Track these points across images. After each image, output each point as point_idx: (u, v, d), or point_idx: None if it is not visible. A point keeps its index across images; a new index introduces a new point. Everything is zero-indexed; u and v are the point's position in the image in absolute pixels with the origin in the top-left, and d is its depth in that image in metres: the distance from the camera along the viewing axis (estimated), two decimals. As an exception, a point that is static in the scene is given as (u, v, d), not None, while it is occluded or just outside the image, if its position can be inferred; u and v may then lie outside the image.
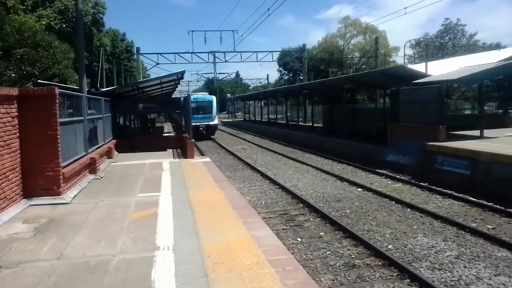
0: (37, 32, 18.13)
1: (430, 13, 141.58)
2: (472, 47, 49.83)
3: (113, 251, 5.25)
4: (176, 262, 4.74)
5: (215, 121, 36.23)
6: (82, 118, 10.54)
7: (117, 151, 16.03)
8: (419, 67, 22.34)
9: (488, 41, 55.78)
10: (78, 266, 4.82)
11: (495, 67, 16.05)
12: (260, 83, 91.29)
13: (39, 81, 15.84)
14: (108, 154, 13.74)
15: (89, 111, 12.00)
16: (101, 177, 10.64)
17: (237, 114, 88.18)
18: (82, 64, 12.65)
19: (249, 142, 31.49)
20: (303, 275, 4.34)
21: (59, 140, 7.88)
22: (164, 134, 23.03)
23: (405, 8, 28.48)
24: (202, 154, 23.88)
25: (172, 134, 21.92)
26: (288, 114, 43.99)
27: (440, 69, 20.68)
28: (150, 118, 41.96)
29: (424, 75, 18.17)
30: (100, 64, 33.57)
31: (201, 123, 34.16)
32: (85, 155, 10.56)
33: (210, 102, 36.23)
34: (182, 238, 5.61)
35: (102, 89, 19.54)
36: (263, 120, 50.81)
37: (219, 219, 6.48)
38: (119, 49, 61.04)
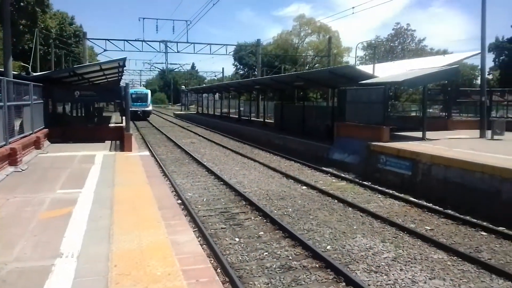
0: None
1: (384, 18, 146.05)
2: (420, 51, 51.60)
3: (7, 258, 4.55)
4: (76, 273, 4.13)
5: (149, 108, 53.26)
6: (1, 104, 9.50)
7: (49, 141, 14.88)
8: (367, 68, 22.61)
9: (436, 47, 58.26)
10: (-42, 277, 4.10)
11: (437, 71, 16.36)
12: (215, 76, 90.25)
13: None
14: (37, 145, 12.65)
15: (17, 97, 10.94)
16: (23, 170, 9.68)
17: (190, 106, 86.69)
18: (8, 44, 11.48)
19: (199, 135, 30.77)
20: (217, 288, 3.88)
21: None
22: (110, 125, 21.86)
23: (353, 7, 29.12)
24: (149, 146, 22.99)
25: (114, 124, 20.83)
26: (242, 108, 43.56)
27: (388, 71, 21.00)
28: (97, 107, 40.26)
29: (371, 76, 18.29)
30: (34, 45, 31.51)
31: (139, 109, 49.14)
32: (4, 145, 9.54)
33: (146, 94, 53.18)
34: (91, 243, 4.98)
35: (34, 74, 18.09)
36: (216, 114, 50.09)
37: (139, 221, 5.89)
38: (67, 33, 58.17)
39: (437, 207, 10.71)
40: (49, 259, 4.51)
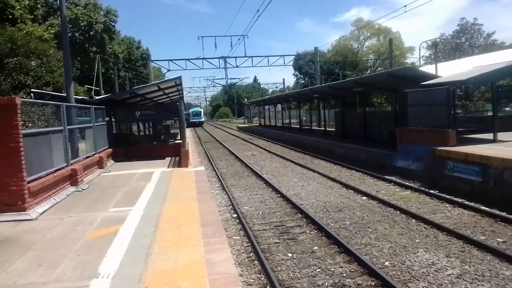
0: (30, 41, 17.93)
1: (450, 14, 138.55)
2: (490, 46, 48.03)
3: (48, 278, 4.68)
4: (107, 294, 4.12)
5: (203, 119, 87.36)
6: (61, 128, 10.08)
7: (114, 160, 15.60)
8: (429, 68, 21.32)
9: (510, 40, 53.99)
10: (0, 298, 4.28)
11: (506, 66, 14.94)
12: (277, 87, 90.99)
13: (32, 90, 15.57)
14: (100, 164, 13.29)
15: (78, 119, 11.58)
16: (83, 189, 10.16)
17: (253, 119, 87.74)
18: (69, 71, 12.22)
19: (260, 148, 30.84)
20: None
21: (22, 153, 7.39)
22: (170, 142, 22.49)
23: (405, 6, 27.74)
24: (211, 161, 23.36)
25: (174, 141, 21.47)
26: (304, 118, 43.21)
27: (453, 70, 19.64)
28: (165, 125, 41.93)
29: (433, 76, 17.18)
30: (96, 70, 33.61)
31: (197, 120, 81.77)
32: (65, 166, 10.09)
33: (200, 111, 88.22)
34: (129, 263, 5.00)
35: (97, 97, 19.19)
36: (277, 125, 50.13)
37: (180, 239, 5.85)
38: (135, 57, 61.63)
39: (511, 216, 9.68)
40: (85, 280, 4.58)
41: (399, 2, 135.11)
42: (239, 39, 41.93)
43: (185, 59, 41.60)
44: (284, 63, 45.65)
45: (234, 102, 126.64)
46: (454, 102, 16.33)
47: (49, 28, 30.42)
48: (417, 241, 8.65)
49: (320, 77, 46.65)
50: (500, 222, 9.53)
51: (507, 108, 30.42)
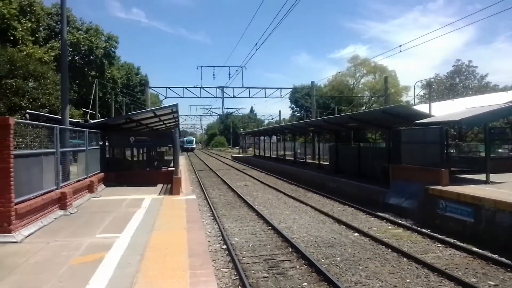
0: (29, 63, 18.08)
1: (445, 55, 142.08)
2: (483, 88, 48.93)
3: (27, 306, 4.52)
4: (87, 325, 3.98)
5: (194, 146, 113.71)
6: (54, 150, 10.00)
7: (105, 185, 15.44)
8: (423, 108, 21.63)
9: (502, 83, 55.14)
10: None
11: (498, 108, 15.22)
12: (272, 119, 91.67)
13: (27, 111, 15.58)
14: (90, 188, 13.14)
15: (71, 142, 11.51)
16: (71, 213, 10.00)
17: (248, 149, 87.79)
18: (66, 94, 12.27)
19: (254, 178, 30.77)
20: None
21: (12, 174, 7.29)
22: (168, 168, 22.36)
23: (400, 46, 28.07)
24: (203, 190, 23.21)
25: (166, 168, 21.35)
26: (298, 150, 43.28)
27: (447, 109, 19.95)
28: (159, 151, 41.73)
29: (427, 115, 17.41)
30: (93, 95, 33.78)
31: (189, 147, 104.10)
32: (55, 189, 9.96)
33: (193, 139, 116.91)
34: (111, 292, 4.86)
35: (92, 121, 19.20)
36: (272, 156, 50.17)
37: (165, 269, 5.72)
38: (133, 82, 62.16)
39: (503, 259, 9.56)
40: (66, 309, 4.43)
41: (395, 42, 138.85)
42: (237, 70, 42.36)
43: (183, 87, 41.96)
44: (281, 95, 46.06)
45: (229, 131, 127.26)
46: (447, 142, 16.46)
47: (50, 50, 30.73)
48: (408, 281, 8.52)
49: (316, 110, 47.09)
50: (491, 265, 9.43)
51: (500, 150, 30.63)
